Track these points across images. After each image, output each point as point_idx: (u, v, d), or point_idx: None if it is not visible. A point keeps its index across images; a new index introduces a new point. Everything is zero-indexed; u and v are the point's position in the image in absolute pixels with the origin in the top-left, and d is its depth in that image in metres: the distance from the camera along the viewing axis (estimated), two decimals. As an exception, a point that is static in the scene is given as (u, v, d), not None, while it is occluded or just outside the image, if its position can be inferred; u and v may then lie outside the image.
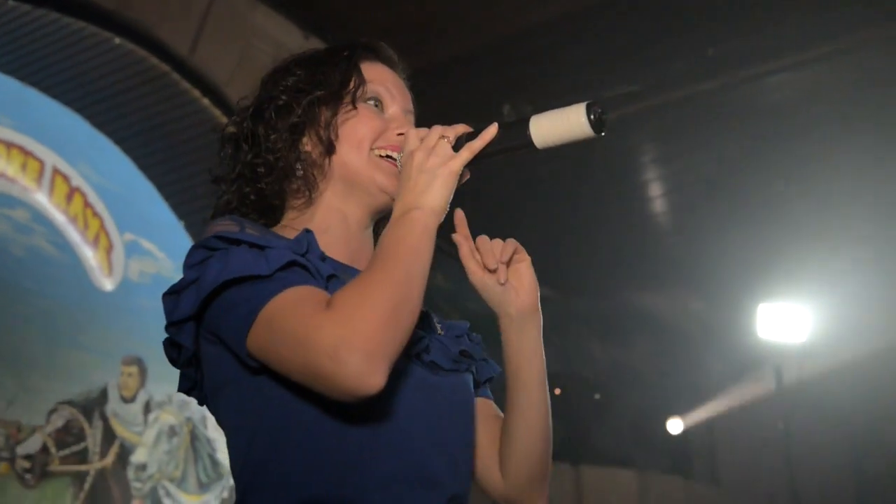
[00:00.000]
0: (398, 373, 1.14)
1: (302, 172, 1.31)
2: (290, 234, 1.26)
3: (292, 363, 1.07)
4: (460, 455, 1.26)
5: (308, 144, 1.32)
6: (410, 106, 1.41)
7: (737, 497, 6.92)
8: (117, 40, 4.74)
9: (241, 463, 1.20)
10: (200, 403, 1.30)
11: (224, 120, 5.35)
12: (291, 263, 1.13)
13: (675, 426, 6.74)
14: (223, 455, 5.87)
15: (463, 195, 1.25)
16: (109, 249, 5.52)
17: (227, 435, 1.25)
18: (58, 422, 5.17)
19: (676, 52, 4.84)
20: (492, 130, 1.22)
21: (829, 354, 6.34)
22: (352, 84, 1.34)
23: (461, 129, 1.25)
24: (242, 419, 1.20)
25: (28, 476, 4.96)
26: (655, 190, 5.59)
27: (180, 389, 1.29)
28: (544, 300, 1.36)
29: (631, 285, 6.63)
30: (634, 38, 4.95)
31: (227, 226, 1.21)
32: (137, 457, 5.44)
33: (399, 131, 1.33)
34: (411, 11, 5.30)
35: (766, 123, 5.17)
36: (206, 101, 5.24)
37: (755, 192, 5.54)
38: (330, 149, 1.31)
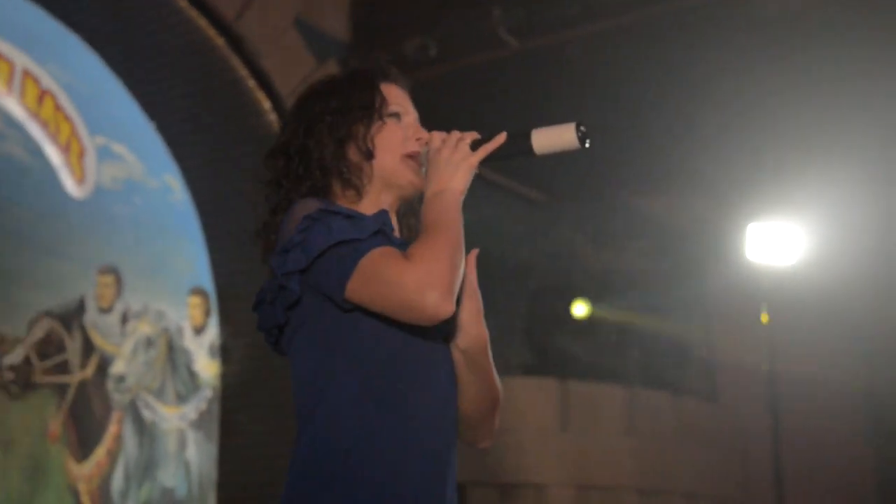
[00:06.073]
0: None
1: (348, 175, 1.68)
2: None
3: (386, 299, 1.50)
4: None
5: (351, 153, 1.69)
6: (417, 114, 1.78)
7: (731, 412, 6.81)
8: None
9: (313, 380, 1.56)
10: (274, 344, 1.63)
11: (201, 22, 5.10)
12: (378, 231, 1.55)
13: (669, 338, 6.59)
14: (201, 367, 5.84)
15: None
16: (81, 154, 5.33)
17: (299, 361, 1.58)
18: (38, 333, 5.11)
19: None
20: (501, 137, 1.64)
21: (829, 271, 6.13)
22: (378, 103, 1.71)
23: (473, 134, 1.65)
24: (323, 346, 1.56)
25: (13, 387, 4.93)
26: (647, 93, 5.35)
27: (261, 328, 1.61)
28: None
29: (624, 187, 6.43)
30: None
31: (318, 203, 1.59)
32: (116, 368, 5.39)
33: (418, 136, 1.72)
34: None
35: (762, 35, 4.99)
36: (182, 2, 4.98)
37: (748, 103, 5.33)
38: (370, 156, 1.68)
